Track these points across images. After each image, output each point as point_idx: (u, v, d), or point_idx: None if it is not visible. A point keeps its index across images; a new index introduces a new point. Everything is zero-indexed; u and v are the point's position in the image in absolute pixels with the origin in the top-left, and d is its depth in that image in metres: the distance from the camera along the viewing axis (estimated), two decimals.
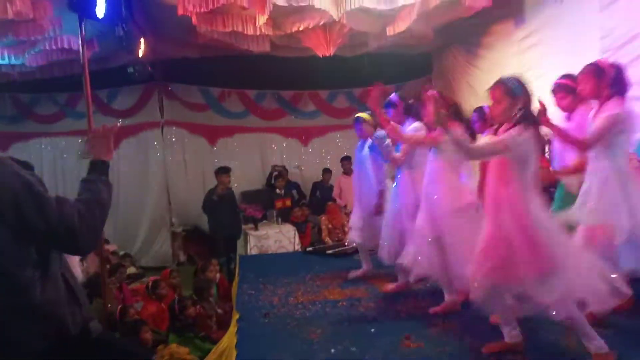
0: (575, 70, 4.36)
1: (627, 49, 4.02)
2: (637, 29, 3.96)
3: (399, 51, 7.15)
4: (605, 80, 2.79)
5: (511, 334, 2.65)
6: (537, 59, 5.10)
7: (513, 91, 2.47)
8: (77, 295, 1.54)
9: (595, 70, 2.85)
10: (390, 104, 4.04)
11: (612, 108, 2.75)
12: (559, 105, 3.31)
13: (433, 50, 7.58)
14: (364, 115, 4.39)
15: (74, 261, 4.00)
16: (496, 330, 2.99)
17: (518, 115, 2.44)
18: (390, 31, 5.58)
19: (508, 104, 2.47)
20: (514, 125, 2.42)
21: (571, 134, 2.98)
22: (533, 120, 2.46)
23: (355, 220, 4.47)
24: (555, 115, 3.29)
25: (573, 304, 2.37)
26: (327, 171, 8.17)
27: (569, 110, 3.30)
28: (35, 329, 1.39)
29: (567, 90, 3.27)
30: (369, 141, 4.32)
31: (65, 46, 5.35)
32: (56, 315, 1.43)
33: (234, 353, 3.04)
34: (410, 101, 4.06)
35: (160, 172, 8.09)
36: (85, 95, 3.70)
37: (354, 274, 4.58)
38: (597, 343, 2.41)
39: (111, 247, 6.36)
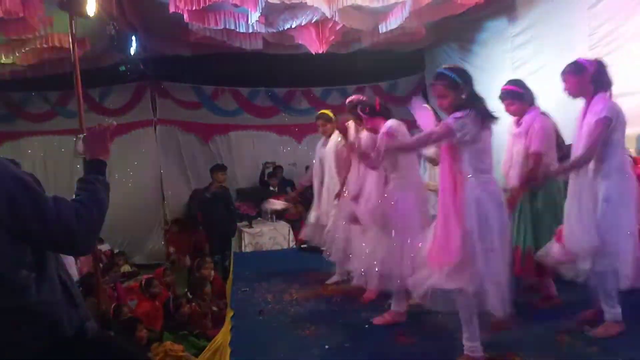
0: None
1: (613, 45, 4.07)
2: (623, 26, 4.02)
3: (391, 48, 7.16)
4: (586, 77, 2.80)
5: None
6: (529, 55, 5.13)
7: (455, 82, 2.50)
8: (74, 295, 1.53)
9: (575, 69, 2.86)
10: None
11: (598, 110, 2.73)
12: (507, 110, 3.35)
13: (426, 47, 7.59)
14: (327, 112, 4.47)
15: (70, 261, 3.99)
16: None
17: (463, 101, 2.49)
18: (382, 28, 5.58)
19: (453, 96, 2.51)
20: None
21: (572, 160, 2.90)
22: (476, 105, 2.50)
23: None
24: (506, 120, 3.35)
25: None
26: (309, 168, 8.16)
27: (517, 114, 3.35)
28: (31, 330, 1.39)
29: (513, 97, 3.32)
30: (332, 138, 4.37)
31: (57, 44, 5.31)
32: (52, 316, 1.43)
33: (229, 350, 3.05)
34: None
35: (153, 170, 8.07)
36: (76, 94, 3.68)
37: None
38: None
39: (104, 247, 6.34)
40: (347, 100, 3.92)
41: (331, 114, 4.39)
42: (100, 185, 1.60)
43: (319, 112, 4.48)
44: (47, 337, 1.41)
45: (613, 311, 2.67)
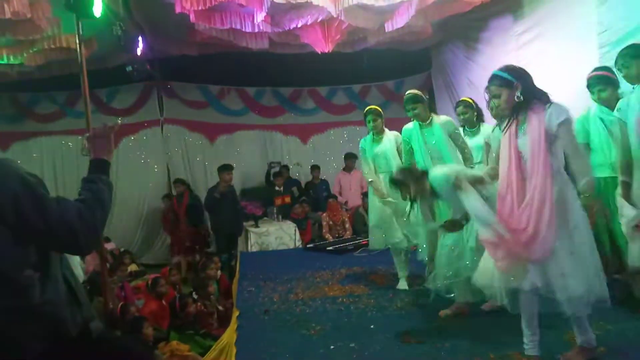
0: (573, 65, 4.39)
1: (623, 43, 4.01)
2: (634, 24, 3.95)
3: (398, 47, 7.14)
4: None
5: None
6: (535, 53, 5.08)
7: (508, 81, 2.43)
8: (78, 295, 1.54)
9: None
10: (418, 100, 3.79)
11: None
12: (599, 97, 3.30)
13: (432, 45, 7.56)
14: (376, 107, 4.34)
15: (75, 261, 4.01)
16: (495, 326, 3.01)
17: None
18: (388, 27, 5.56)
19: (507, 94, 2.42)
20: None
21: None
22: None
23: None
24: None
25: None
26: (315, 168, 8.17)
27: (609, 102, 3.27)
28: (35, 330, 1.39)
29: (606, 83, 3.26)
30: (387, 134, 4.28)
31: (64, 45, 5.35)
32: (56, 315, 1.43)
33: (234, 350, 3.06)
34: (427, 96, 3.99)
35: (160, 170, 8.11)
36: (83, 95, 3.70)
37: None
38: (588, 336, 2.43)
39: (110, 246, 6.37)
40: None
41: (379, 109, 4.36)
42: (104, 185, 1.61)
43: (369, 107, 4.40)
44: (51, 337, 1.41)
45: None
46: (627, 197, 2.90)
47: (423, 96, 3.78)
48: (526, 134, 2.40)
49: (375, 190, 4.21)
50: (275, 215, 7.19)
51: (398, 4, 5.10)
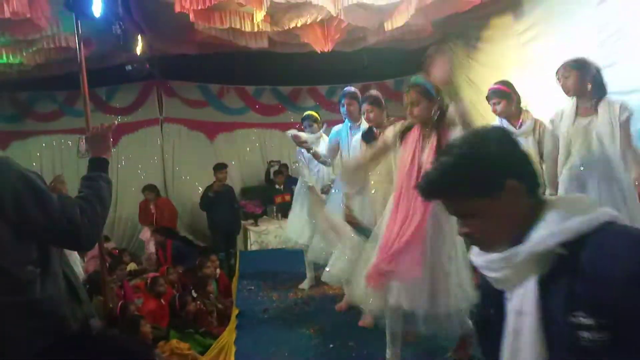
0: None
1: (623, 41, 4.02)
2: (633, 23, 3.96)
3: (397, 46, 7.12)
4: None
5: None
6: (536, 52, 5.08)
7: (429, 93, 2.52)
8: (78, 292, 1.55)
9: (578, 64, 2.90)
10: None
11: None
12: (493, 110, 3.39)
13: (432, 44, 7.55)
14: (313, 113, 4.51)
15: (75, 259, 4.02)
16: None
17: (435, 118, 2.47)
18: (388, 26, 5.56)
19: (425, 105, 2.51)
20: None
21: None
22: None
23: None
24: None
25: None
26: None
27: (504, 115, 3.36)
28: (35, 326, 1.40)
29: (501, 96, 3.34)
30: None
31: (63, 44, 5.34)
32: (56, 312, 1.44)
33: (234, 348, 3.07)
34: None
35: (160, 168, 8.12)
36: (82, 94, 3.70)
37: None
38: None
39: (109, 245, 6.37)
40: None
41: (317, 115, 4.50)
42: (103, 182, 1.63)
43: (307, 114, 4.55)
44: (52, 333, 1.42)
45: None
46: None
47: (359, 95, 3.89)
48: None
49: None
50: (275, 214, 7.20)
51: (397, 3, 5.10)
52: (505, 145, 1.01)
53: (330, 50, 5.97)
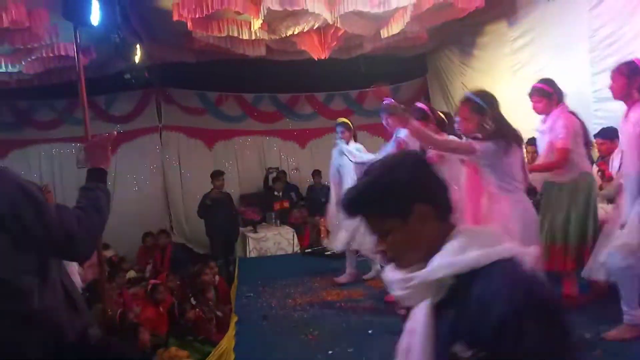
0: (566, 69, 4.44)
1: (614, 47, 4.07)
2: (624, 28, 4.01)
3: (394, 53, 7.18)
4: (636, 81, 2.73)
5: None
6: (529, 58, 5.14)
7: (480, 107, 2.55)
8: (76, 302, 1.55)
9: (627, 70, 2.80)
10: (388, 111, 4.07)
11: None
12: (534, 108, 3.36)
13: (428, 51, 7.61)
14: (345, 120, 4.63)
15: (73, 269, 4.03)
16: None
17: (490, 130, 2.55)
18: (384, 33, 5.61)
19: (478, 120, 2.56)
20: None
21: None
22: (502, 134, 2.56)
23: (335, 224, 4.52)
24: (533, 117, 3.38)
25: None
26: (317, 173, 8.20)
27: (544, 112, 3.34)
28: (33, 336, 1.40)
29: (542, 94, 3.32)
30: (349, 144, 4.68)
31: (62, 53, 5.37)
32: (54, 322, 1.45)
33: (233, 355, 3.07)
34: (402, 106, 4.12)
35: (159, 176, 8.13)
36: (81, 103, 3.72)
37: (341, 279, 4.59)
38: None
39: (109, 252, 6.37)
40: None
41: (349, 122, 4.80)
42: (101, 192, 1.64)
43: (340, 121, 4.81)
44: (49, 343, 1.43)
45: (632, 313, 2.64)
46: None
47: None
48: None
49: None
50: (274, 221, 7.21)
51: (393, 11, 5.14)
52: (417, 171, 1.07)
53: (327, 57, 6.02)
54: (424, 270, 1.00)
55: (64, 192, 7.47)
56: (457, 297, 0.96)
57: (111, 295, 4.45)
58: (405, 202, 1.03)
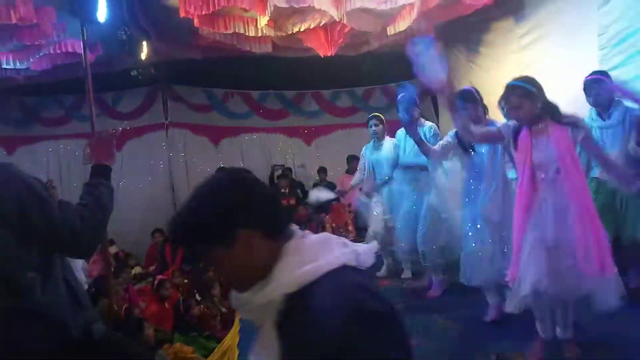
0: (574, 66, 4.40)
1: (623, 45, 4.02)
2: (634, 26, 3.97)
3: (400, 50, 7.12)
4: None
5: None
6: (536, 55, 5.09)
7: (530, 93, 2.48)
8: (80, 298, 1.56)
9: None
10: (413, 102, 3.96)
11: None
12: (594, 101, 3.29)
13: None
14: (378, 114, 4.55)
15: (77, 264, 4.06)
16: (496, 328, 3.02)
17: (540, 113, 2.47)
18: (391, 30, 5.58)
19: (529, 106, 2.47)
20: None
21: None
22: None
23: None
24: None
25: None
26: (322, 170, 8.19)
27: (602, 106, 3.27)
28: (37, 332, 1.42)
29: (599, 86, 3.23)
30: (387, 140, 4.48)
31: (70, 50, 5.41)
32: (57, 318, 1.46)
33: (237, 352, 3.08)
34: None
35: (165, 173, 8.16)
36: (87, 99, 3.74)
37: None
38: None
39: (114, 249, 6.41)
40: None
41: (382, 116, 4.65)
42: (105, 189, 1.64)
43: (373, 114, 4.70)
44: (53, 338, 1.44)
45: None
46: None
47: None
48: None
49: None
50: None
51: (400, 8, 5.12)
52: (237, 194, 1.00)
53: (333, 54, 6.00)
54: (254, 295, 0.98)
55: (71, 189, 7.52)
56: (293, 315, 0.94)
57: (117, 291, 4.48)
58: (227, 229, 0.98)
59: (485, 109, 3.40)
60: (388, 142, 4.45)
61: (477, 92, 3.43)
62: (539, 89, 2.50)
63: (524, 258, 2.44)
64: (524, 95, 2.47)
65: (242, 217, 0.99)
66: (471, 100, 3.28)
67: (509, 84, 2.57)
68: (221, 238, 0.98)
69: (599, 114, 3.32)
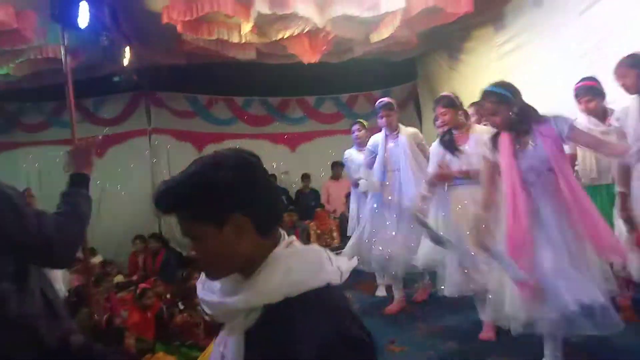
0: (553, 74, 4.48)
1: (604, 52, 4.10)
2: (613, 34, 4.04)
3: (384, 57, 7.21)
4: None
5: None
6: (516, 63, 5.18)
7: (505, 98, 2.47)
8: (57, 309, 1.53)
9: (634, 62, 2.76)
10: (388, 107, 3.97)
11: None
12: (586, 108, 3.23)
13: (417, 55, 7.65)
14: (361, 120, 4.59)
15: (56, 275, 4.00)
16: (475, 333, 3.04)
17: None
18: (374, 38, 5.63)
19: (505, 112, 2.46)
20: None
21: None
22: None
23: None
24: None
25: None
26: (305, 177, 8.20)
27: (596, 113, 3.21)
28: (11, 343, 1.38)
29: (593, 93, 3.20)
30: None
31: (51, 55, 5.35)
32: (32, 329, 1.42)
33: None
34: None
35: (147, 179, 8.08)
36: (68, 106, 3.70)
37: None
38: None
39: (97, 259, 6.32)
40: None
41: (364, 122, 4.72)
42: (83, 199, 1.62)
43: (358, 120, 4.71)
44: (27, 350, 1.41)
45: None
46: (625, 208, 2.80)
47: (394, 105, 3.94)
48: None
49: None
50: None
51: (383, 15, 5.17)
52: (241, 177, 0.96)
53: (317, 61, 6.03)
54: (234, 299, 0.94)
55: (51, 196, 7.39)
56: (268, 327, 0.91)
57: (98, 300, 4.41)
58: (221, 209, 0.94)
59: (466, 114, 3.44)
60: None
61: (457, 98, 3.46)
62: (515, 93, 2.49)
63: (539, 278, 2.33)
64: (499, 101, 2.46)
65: (240, 200, 0.95)
66: (450, 105, 3.29)
67: (484, 90, 2.57)
68: (214, 215, 0.94)
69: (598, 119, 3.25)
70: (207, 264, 0.99)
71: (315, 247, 1.03)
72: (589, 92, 3.22)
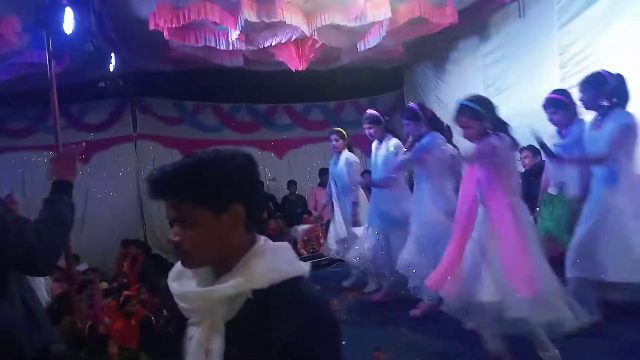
0: (536, 84, 4.57)
1: (583, 64, 4.20)
2: (593, 45, 4.14)
3: (371, 65, 7.28)
4: (604, 91, 2.85)
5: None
6: (500, 73, 5.27)
7: (477, 112, 2.55)
8: (37, 317, 1.51)
9: (594, 81, 2.91)
10: (373, 121, 4.08)
11: (618, 119, 2.79)
12: (550, 120, 3.35)
13: (404, 64, 7.73)
14: (340, 129, 4.65)
15: (38, 283, 3.94)
16: (464, 339, 3.06)
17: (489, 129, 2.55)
18: (361, 47, 5.68)
19: (477, 126, 2.55)
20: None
21: (589, 156, 3.02)
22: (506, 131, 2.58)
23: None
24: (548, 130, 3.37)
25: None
26: (292, 183, 8.21)
27: (560, 125, 3.33)
28: None
29: (557, 106, 3.29)
30: (341, 154, 4.60)
31: (35, 60, 5.28)
32: (11, 337, 1.40)
33: None
34: (386, 117, 4.21)
35: (133, 186, 8.01)
36: (52, 112, 3.67)
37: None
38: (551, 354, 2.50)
39: (82, 267, 6.24)
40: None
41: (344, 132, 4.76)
42: (64, 206, 1.61)
43: (336, 129, 4.81)
44: (5, 359, 1.39)
45: None
46: None
47: (378, 117, 4.11)
48: None
49: None
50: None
51: (369, 25, 5.22)
52: (246, 171, 1.02)
53: (305, 69, 6.05)
54: (224, 285, 0.96)
55: (35, 202, 7.30)
56: (251, 315, 0.95)
57: (81, 308, 4.34)
58: (225, 196, 0.98)
59: (432, 124, 3.61)
60: (343, 156, 4.62)
61: (422, 108, 3.64)
62: (489, 108, 2.57)
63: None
64: (472, 116, 2.55)
65: (243, 191, 1.00)
66: (412, 118, 3.60)
67: (459, 102, 2.65)
68: (217, 202, 0.98)
69: (559, 132, 3.40)
70: (191, 250, 1.00)
71: (285, 244, 1.09)
72: (553, 105, 3.33)
